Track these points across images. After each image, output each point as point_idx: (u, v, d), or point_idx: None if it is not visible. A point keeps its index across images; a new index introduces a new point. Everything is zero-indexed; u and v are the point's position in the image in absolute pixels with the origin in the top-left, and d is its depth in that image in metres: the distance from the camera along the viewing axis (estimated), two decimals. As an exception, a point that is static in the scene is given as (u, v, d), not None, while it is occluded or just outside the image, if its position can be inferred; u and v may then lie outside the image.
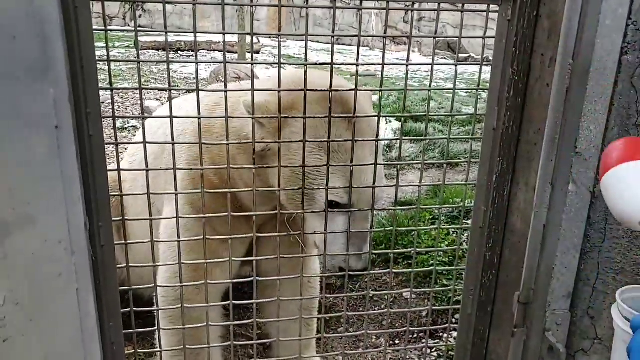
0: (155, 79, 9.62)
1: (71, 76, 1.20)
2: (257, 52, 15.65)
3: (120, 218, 1.49)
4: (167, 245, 2.01)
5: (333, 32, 1.46)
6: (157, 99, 7.49)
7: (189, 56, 13.59)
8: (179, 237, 1.52)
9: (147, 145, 1.46)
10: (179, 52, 14.60)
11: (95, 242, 1.37)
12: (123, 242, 1.49)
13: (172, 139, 1.46)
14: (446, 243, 3.38)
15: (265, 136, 1.75)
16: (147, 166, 1.47)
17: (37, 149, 0.95)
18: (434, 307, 1.91)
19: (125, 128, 6.18)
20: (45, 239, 0.99)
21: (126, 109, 7.37)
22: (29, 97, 0.93)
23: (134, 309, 1.50)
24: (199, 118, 1.46)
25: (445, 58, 15.35)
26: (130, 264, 1.50)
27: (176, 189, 1.48)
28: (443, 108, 7.37)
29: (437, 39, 1.53)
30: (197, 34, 1.36)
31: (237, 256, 2.03)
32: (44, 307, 1.03)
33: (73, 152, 0.99)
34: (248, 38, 12.61)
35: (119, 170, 1.45)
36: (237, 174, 1.91)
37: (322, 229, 1.62)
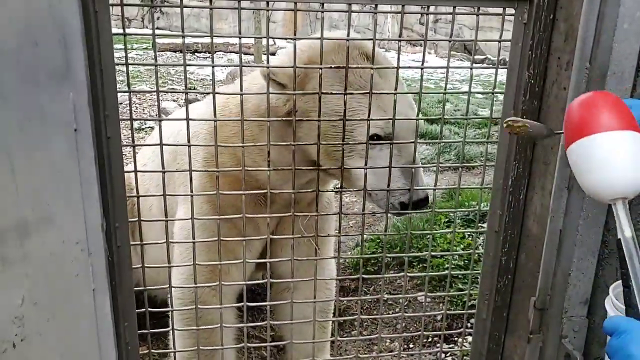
0: (173, 81, 9.71)
1: (90, 79, 1.22)
2: (273, 54, 15.71)
3: (137, 219, 1.51)
4: (182, 245, 2.02)
5: (348, 35, 1.47)
6: (174, 100, 7.55)
7: (206, 58, 13.69)
8: (194, 237, 1.53)
9: (159, 151, 1.47)
10: (196, 53, 14.73)
11: (112, 243, 1.39)
12: (139, 242, 1.51)
13: (188, 140, 1.48)
14: (462, 246, 3.35)
15: (289, 97, 1.74)
16: (163, 168, 1.49)
17: (56, 152, 0.97)
18: (448, 312, 1.90)
19: (143, 129, 6.25)
20: (63, 239, 1.01)
21: (143, 109, 7.46)
22: (50, 101, 0.95)
23: (149, 309, 1.52)
24: (215, 120, 1.48)
25: (461, 60, 15.26)
26: (145, 265, 1.52)
27: (192, 190, 1.49)
28: (459, 110, 7.32)
29: (452, 41, 1.53)
30: (214, 36, 1.38)
31: (255, 251, 2.03)
32: (61, 307, 1.04)
33: (91, 155, 1.01)
34: (264, 40, 12.70)
35: (135, 171, 1.47)
36: (259, 156, 1.89)
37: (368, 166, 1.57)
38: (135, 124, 6.09)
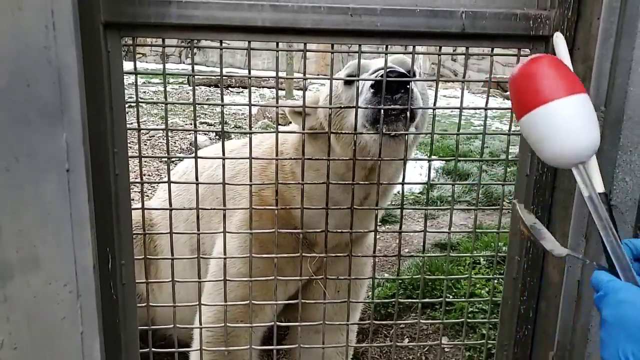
0: (205, 114, 9.93)
1: (99, 117, 1.23)
2: (306, 89, 15.90)
3: (148, 256, 1.50)
4: (217, 278, 2.00)
5: (358, 75, 1.46)
6: (205, 134, 7.69)
7: (239, 92, 14.02)
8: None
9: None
10: (230, 88, 15.09)
11: (116, 281, 1.37)
12: (144, 281, 1.50)
13: (196, 178, 1.48)
14: (487, 289, 3.23)
15: (314, 124, 1.84)
16: (170, 205, 1.49)
17: (46, 192, 0.96)
18: (465, 361, 1.81)
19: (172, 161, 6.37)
20: (50, 281, 0.99)
21: (174, 142, 7.61)
22: (42, 141, 0.95)
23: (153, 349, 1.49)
24: (223, 158, 1.48)
25: (494, 96, 15.15)
26: (153, 304, 1.51)
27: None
28: (487, 147, 7.18)
29: (470, 79, 1.51)
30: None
31: (290, 291, 2.00)
32: (44, 352, 1.01)
33: (85, 195, 1.00)
34: (295, 75, 13.10)
35: (142, 209, 1.47)
36: (297, 190, 1.88)
37: None
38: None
